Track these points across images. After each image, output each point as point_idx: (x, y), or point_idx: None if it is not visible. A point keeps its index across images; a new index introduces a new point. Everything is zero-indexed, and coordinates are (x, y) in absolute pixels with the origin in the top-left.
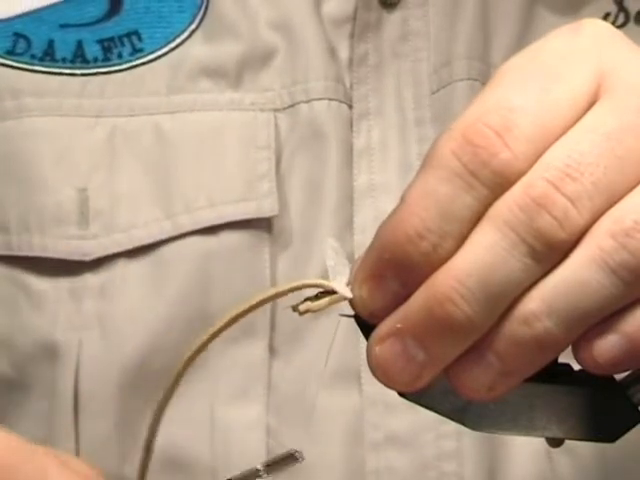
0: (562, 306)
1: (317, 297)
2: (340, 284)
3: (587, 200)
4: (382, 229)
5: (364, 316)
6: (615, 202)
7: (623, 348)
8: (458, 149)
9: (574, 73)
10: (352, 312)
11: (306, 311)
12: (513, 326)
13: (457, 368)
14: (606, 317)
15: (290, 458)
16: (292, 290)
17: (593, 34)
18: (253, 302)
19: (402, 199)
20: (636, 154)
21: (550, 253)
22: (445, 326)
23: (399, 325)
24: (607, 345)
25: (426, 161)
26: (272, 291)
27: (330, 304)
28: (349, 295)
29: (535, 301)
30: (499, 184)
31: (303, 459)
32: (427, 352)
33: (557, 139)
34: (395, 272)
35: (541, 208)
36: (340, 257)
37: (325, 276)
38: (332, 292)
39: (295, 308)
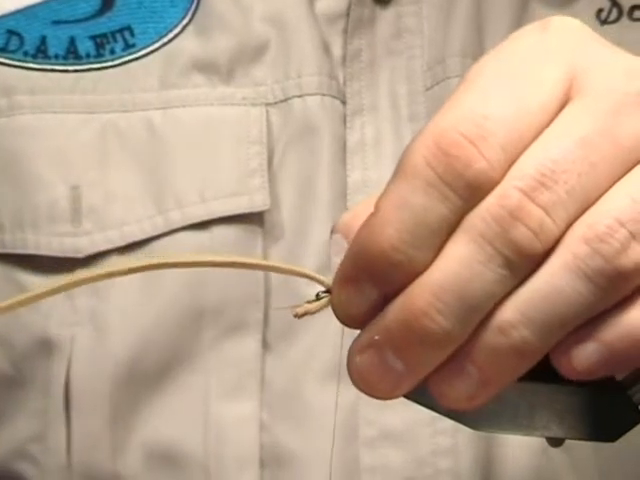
0: (538, 314)
1: (318, 298)
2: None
3: (562, 209)
4: (358, 238)
5: (343, 320)
6: (588, 207)
7: (601, 356)
8: (432, 159)
9: (544, 75)
10: None
11: (304, 314)
12: (490, 336)
13: (436, 378)
14: (583, 323)
15: None
16: (285, 272)
17: (562, 32)
18: (247, 261)
19: (376, 208)
20: (609, 159)
21: (525, 263)
22: (422, 339)
23: (377, 337)
24: (585, 353)
25: (399, 169)
26: (270, 263)
27: (327, 305)
28: None
29: (511, 310)
30: (474, 194)
31: None
32: (405, 363)
33: (530, 144)
34: (371, 281)
35: (516, 220)
36: (340, 247)
37: (319, 272)
38: (327, 288)
39: (294, 311)
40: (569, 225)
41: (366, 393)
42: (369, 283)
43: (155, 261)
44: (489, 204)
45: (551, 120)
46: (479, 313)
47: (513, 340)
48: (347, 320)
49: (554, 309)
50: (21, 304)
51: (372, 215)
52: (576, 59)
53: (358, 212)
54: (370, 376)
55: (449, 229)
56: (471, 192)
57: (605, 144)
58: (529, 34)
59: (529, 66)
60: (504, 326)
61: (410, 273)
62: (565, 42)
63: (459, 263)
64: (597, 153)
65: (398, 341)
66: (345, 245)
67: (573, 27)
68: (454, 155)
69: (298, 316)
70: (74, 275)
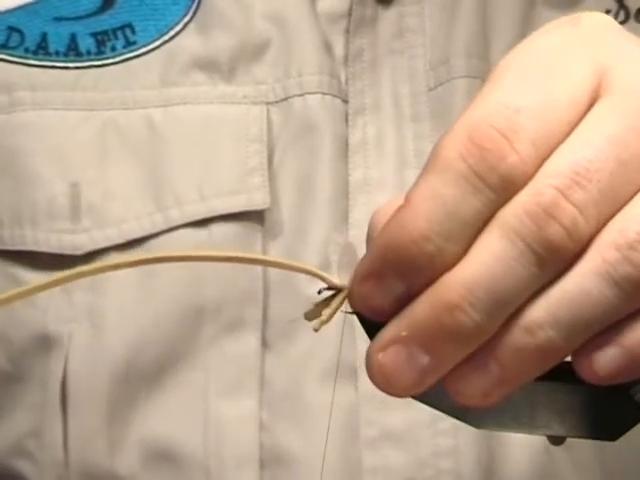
0: (565, 316)
1: (321, 297)
2: (337, 279)
3: (594, 208)
4: (386, 230)
5: (362, 312)
6: (619, 207)
7: (622, 361)
8: (465, 151)
9: (574, 70)
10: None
11: (320, 325)
12: (516, 335)
13: (456, 374)
14: (606, 328)
15: None
16: (287, 267)
17: (592, 27)
18: (249, 255)
19: (406, 200)
20: (639, 156)
21: (557, 262)
22: (453, 333)
23: (405, 333)
24: (606, 358)
25: (430, 162)
26: (272, 259)
27: (338, 308)
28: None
29: (539, 310)
30: (506, 188)
31: None
32: (432, 359)
33: (560, 140)
34: (398, 273)
35: (550, 217)
36: (352, 257)
37: (319, 270)
38: (331, 286)
39: (308, 318)
40: (599, 224)
41: (384, 390)
42: (395, 276)
43: (153, 255)
44: (523, 201)
45: (580, 116)
46: (509, 309)
47: (539, 340)
48: (367, 313)
49: (581, 311)
50: (17, 297)
51: (402, 207)
52: (605, 55)
53: (387, 211)
54: (394, 373)
55: (481, 222)
56: (504, 186)
57: (635, 142)
58: (557, 29)
59: (558, 61)
60: (531, 326)
61: (439, 265)
62: (594, 38)
63: (492, 258)
64: (628, 152)
65: (428, 336)
66: (357, 251)
67: (602, 23)
68: (488, 149)
69: (316, 330)
70: (72, 269)
